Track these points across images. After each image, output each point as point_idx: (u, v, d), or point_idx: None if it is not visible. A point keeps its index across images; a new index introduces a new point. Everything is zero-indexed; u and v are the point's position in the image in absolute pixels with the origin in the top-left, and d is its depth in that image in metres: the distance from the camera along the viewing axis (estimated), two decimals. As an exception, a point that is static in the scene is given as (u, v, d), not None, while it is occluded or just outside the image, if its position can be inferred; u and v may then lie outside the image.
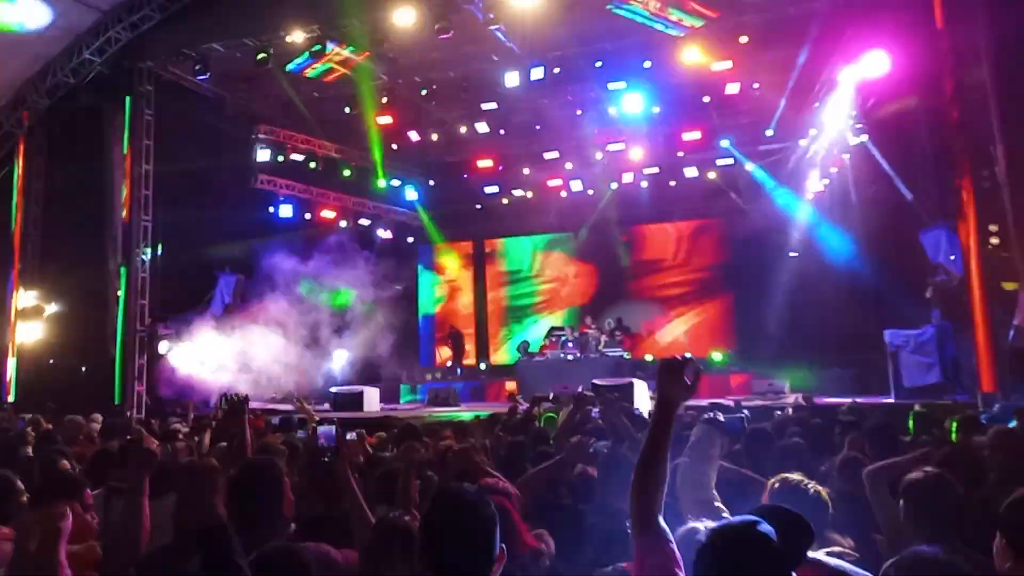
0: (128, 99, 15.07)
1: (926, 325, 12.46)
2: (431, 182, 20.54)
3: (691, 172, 17.76)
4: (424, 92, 15.05)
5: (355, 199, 19.50)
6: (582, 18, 12.81)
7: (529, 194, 19.68)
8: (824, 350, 15.26)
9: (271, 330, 15.22)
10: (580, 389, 9.50)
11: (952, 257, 12.24)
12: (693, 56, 13.55)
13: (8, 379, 15.03)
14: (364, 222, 19.96)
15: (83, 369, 15.32)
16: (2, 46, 14.05)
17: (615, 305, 19.11)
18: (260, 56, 13.67)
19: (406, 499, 3.39)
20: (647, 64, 14.15)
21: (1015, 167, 10.54)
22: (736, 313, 18.76)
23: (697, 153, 17.32)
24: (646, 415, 7.11)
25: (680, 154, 17.42)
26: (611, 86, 14.90)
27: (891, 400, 12.04)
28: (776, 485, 2.98)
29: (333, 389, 15.10)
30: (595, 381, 11.99)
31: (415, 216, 20.83)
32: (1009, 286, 10.74)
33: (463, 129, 16.90)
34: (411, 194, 20.10)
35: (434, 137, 17.12)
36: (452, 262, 21.85)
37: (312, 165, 17.99)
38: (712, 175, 17.84)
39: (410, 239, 21.50)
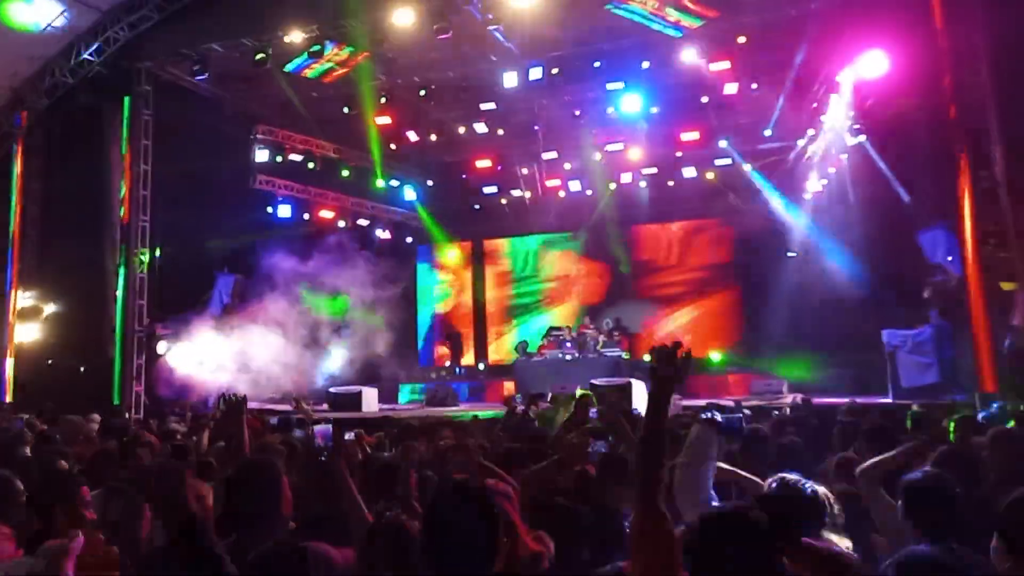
0: (127, 99, 15.08)
1: (924, 325, 12.48)
2: (429, 182, 20.53)
3: (689, 172, 17.77)
4: (423, 92, 15.06)
5: (354, 199, 19.49)
6: (580, 18, 12.82)
7: (527, 194, 19.69)
8: (822, 350, 15.27)
9: (270, 330, 15.22)
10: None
11: (950, 257, 12.26)
12: (691, 56, 13.57)
13: (6, 379, 15.02)
14: (363, 222, 19.95)
15: (82, 369, 15.31)
16: (0, 46, 14.04)
17: (615, 305, 19.14)
18: (259, 56, 13.66)
19: (406, 493, 3.39)
20: (645, 64, 14.16)
21: (1013, 167, 10.56)
22: (735, 313, 18.78)
23: (696, 153, 17.33)
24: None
25: (678, 154, 17.44)
26: (610, 86, 14.91)
27: (889, 400, 12.04)
28: (773, 485, 2.98)
29: (332, 389, 15.09)
30: (593, 381, 12.02)
31: (414, 216, 20.82)
32: (1007, 286, 10.76)
33: (462, 129, 16.91)
34: (410, 194, 20.10)
35: (433, 137, 17.12)
36: (450, 262, 21.84)
37: (311, 165, 17.97)
38: (710, 175, 17.85)
39: (409, 239, 21.49)
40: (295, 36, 13.41)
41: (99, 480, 4.02)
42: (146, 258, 14.85)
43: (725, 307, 19.06)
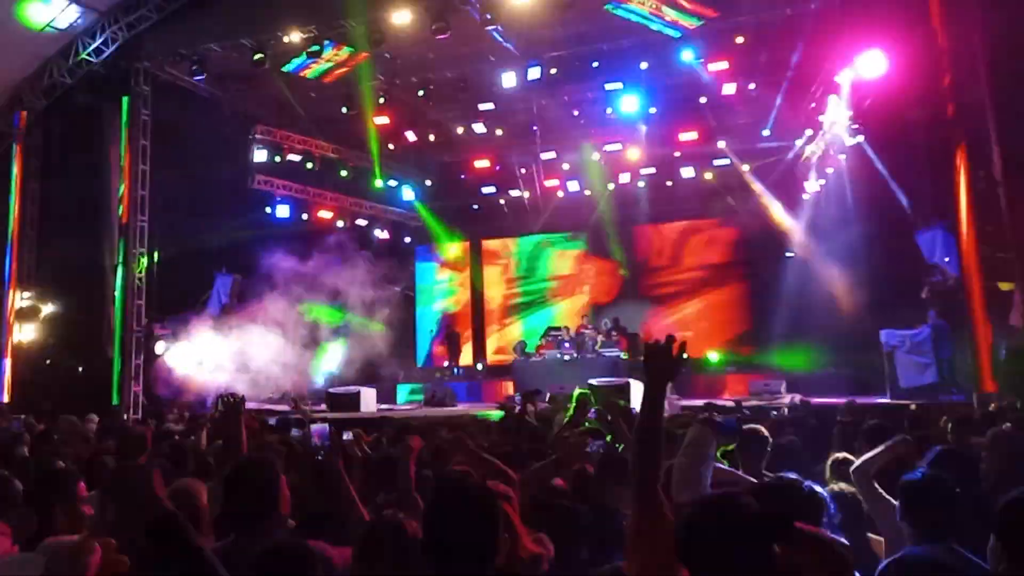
0: (125, 99, 15.07)
1: (922, 325, 12.47)
2: (428, 182, 20.51)
3: (688, 172, 17.77)
4: (421, 92, 15.07)
5: (352, 199, 19.47)
6: (579, 18, 12.81)
7: (526, 194, 19.69)
8: (820, 350, 15.27)
9: (268, 330, 15.20)
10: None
11: (947, 258, 12.27)
12: (690, 56, 13.57)
13: (5, 380, 15.00)
14: (361, 222, 19.93)
15: (80, 369, 15.30)
16: (-1, 46, 14.06)
17: (615, 305, 19.13)
18: (257, 56, 13.65)
19: (405, 486, 3.38)
20: (644, 65, 14.18)
21: (1011, 167, 10.57)
22: (734, 313, 18.76)
23: (694, 153, 17.33)
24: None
25: (677, 154, 17.44)
26: (608, 86, 14.92)
27: (887, 400, 12.05)
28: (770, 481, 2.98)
29: (330, 389, 15.08)
30: (591, 381, 12.00)
31: (412, 216, 20.80)
32: (1005, 286, 10.78)
33: (460, 129, 16.92)
34: (408, 194, 20.09)
35: (431, 137, 17.12)
36: (451, 256, 21.80)
37: (309, 165, 17.96)
38: (709, 175, 17.85)
39: (407, 239, 21.47)
40: (294, 36, 13.41)
41: (96, 481, 4.02)
42: (144, 258, 14.84)
43: (724, 307, 19.04)
